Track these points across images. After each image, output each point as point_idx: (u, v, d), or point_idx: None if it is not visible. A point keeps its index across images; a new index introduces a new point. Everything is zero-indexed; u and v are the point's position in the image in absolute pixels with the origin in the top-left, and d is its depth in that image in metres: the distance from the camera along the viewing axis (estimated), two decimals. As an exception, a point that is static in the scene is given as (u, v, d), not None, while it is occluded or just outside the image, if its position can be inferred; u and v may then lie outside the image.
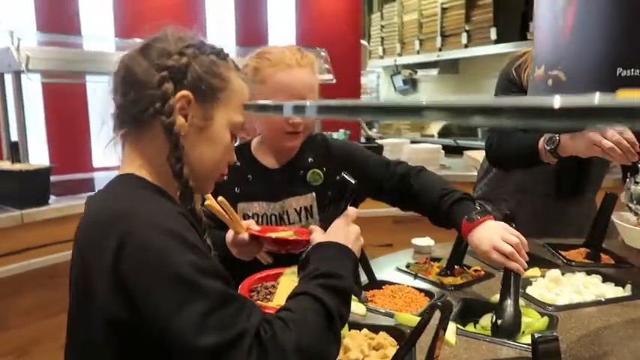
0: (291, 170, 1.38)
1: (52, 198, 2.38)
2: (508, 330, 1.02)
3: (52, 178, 2.49)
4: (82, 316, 0.78)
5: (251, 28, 4.53)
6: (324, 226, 0.97)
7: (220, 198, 1.09)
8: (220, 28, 4.41)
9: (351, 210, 0.98)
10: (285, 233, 1.16)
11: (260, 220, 1.35)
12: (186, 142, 0.81)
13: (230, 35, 4.45)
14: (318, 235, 0.94)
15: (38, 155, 3.31)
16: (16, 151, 2.29)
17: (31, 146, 2.66)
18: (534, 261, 1.47)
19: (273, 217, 1.38)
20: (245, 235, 1.10)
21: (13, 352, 2.28)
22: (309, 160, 1.40)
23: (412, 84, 6.69)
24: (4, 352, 2.25)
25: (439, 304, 0.77)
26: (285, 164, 1.38)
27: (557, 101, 0.31)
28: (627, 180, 1.45)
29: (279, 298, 0.99)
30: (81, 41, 3.50)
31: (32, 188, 2.25)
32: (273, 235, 1.13)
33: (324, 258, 0.84)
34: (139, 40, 2.85)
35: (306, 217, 1.40)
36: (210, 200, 1.06)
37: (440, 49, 5.77)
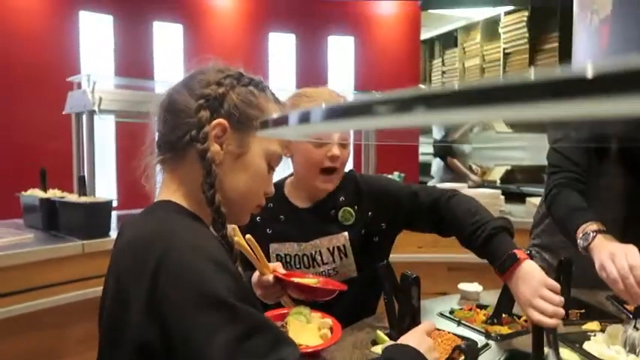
0: (323, 210, 1.37)
1: (114, 231, 2.49)
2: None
3: (120, 212, 2.61)
4: (113, 344, 0.78)
5: (311, 72, 4.67)
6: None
7: (248, 236, 1.09)
8: (282, 72, 4.58)
9: (428, 324, 0.94)
10: (310, 280, 1.14)
11: (292, 260, 1.34)
12: (220, 170, 0.83)
13: (291, 79, 4.61)
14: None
15: (107, 190, 3.52)
16: (83, 184, 2.43)
17: (101, 182, 2.83)
18: (595, 314, 1.35)
19: (305, 258, 1.36)
20: (270, 277, 1.09)
21: (67, 379, 2.34)
22: (341, 198, 1.38)
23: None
24: (58, 381, 2.32)
25: (462, 346, 0.71)
26: (316, 203, 1.37)
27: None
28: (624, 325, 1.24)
29: (292, 337, 0.96)
30: (153, 85, 3.75)
31: (94, 220, 2.37)
32: (296, 280, 1.11)
33: (392, 356, 0.83)
34: None
35: (340, 257, 1.37)
36: (238, 237, 1.06)
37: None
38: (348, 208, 1.37)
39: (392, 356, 0.81)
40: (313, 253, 1.35)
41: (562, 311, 1.03)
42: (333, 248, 1.36)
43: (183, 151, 0.84)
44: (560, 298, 1.04)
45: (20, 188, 2.64)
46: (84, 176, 2.46)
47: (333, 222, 1.37)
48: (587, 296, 1.46)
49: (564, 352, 1.09)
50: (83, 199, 2.40)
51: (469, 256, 2.85)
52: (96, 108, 2.54)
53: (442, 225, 1.33)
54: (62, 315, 2.28)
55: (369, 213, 1.38)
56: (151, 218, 0.83)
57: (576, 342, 1.16)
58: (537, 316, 1.02)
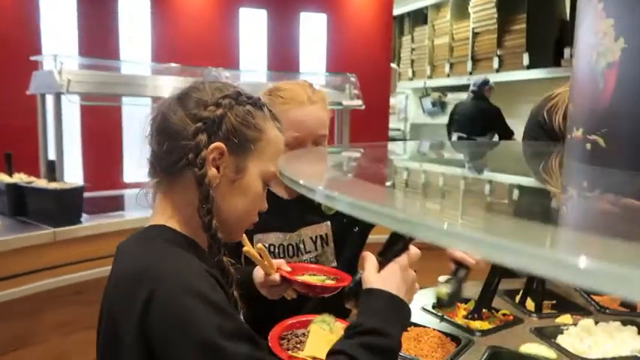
0: (305, 200, 1.38)
1: (84, 216, 2.44)
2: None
3: (85, 195, 2.55)
4: None
5: (282, 50, 4.60)
6: (382, 261, 0.87)
7: (259, 246, 1.10)
8: (253, 54, 4.49)
9: (413, 252, 0.88)
10: (317, 278, 1.16)
11: (277, 250, 1.36)
12: (217, 193, 0.81)
13: (262, 60, 4.53)
14: (371, 275, 0.85)
15: (73, 173, 3.41)
16: (53, 169, 2.36)
17: (66, 164, 2.74)
18: (566, 306, 1.43)
19: (290, 248, 1.39)
20: (277, 277, 1.11)
21: (45, 364, 2.32)
22: None
23: (441, 106, 6.66)
24: (37, 364, 2.30)
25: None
26: (299, 195, 1.38)
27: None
28: None
29: (310, 349, 0.98)
30: (119, 65, 3.61)
31: (66, 207, 2.31)
32: (300, 279, 1.13)
33: (372, 310, 0.80)
34: (174, 65, 2.91)
35: (322, 245, 1.42)
36: (247, 247, 1.07)
37: (470, 73, 5.74)
38: None
39: (363, 321, 0.78)
40: (298, 242, 1.39)
41: None
42: (316, 237, 1.41)
43: (179, 174, 0.82)
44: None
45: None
46: (53, 161, 2.38)
47: (316, 212, 1.40)
48: (556, 287, 1.54)
49: (541, 347, 1.17)
50: (53, 185, 2.32)
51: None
52: (64, 90, 2.44)
53: None
54: (35, 303, 2.24)
55: None
56: (144, 248, 0.80)
57: (551, 337, 1.24)
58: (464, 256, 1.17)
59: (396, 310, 0.81)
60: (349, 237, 1.44)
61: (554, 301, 1.47)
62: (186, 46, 4.18)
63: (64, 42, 3.78)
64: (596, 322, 1.29)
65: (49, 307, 2.32)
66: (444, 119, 6.37)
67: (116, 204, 3.18)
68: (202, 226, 0.81)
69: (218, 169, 0.82)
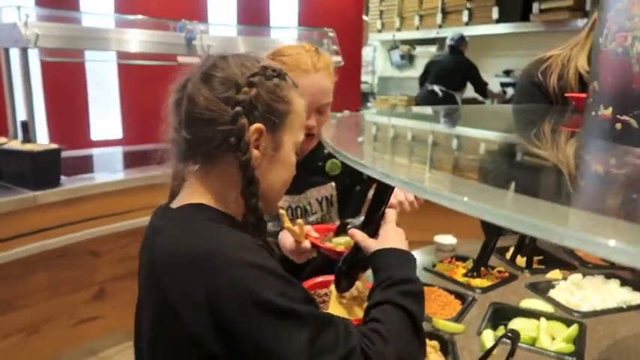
0: (310, 162, 1.41)
1: (62, 178, 2.37)
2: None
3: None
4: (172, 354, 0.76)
5: (253, 6, 4.43)
6: (368, 231, 0.96)
7: (299, 221, 1.14)
8: (221, 6, 4.30)
9: (391, 213, 0.98)
10: (343, 239, 1.20)
11: (285, 211, 1.39)
12: (258, 172, 0.81)
13: (232, 13, 4.35)
14: (371, 242, 0.93)
15: (37, 132, 3.25)
16: (26, 130, 2.25)
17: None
18: (552, 262, 1.53)
19: (298, 210, 1.42)
20: (307, 244, 1.14)
21: (24, 329, 2.31)
22: (325, 151, 1.42)
23: (409, 59, 6.66)
24: (16, 330, 2.28)
25: (510, 334, 0.81)
26: (303, 157, 1.40)
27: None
28: None
29: (333, 309, 1.03)
30: (80, 17, 3.39)
31: (44, 169, 2.23)
32: (328, 245, 1.17)
33: (391, 265, 0.87)
34: (140, 17, 2.77)
35: (327, 206, 1.45)
36: (287, 224, 1.10)
37: (440, 26, 5.73)
38: (334, 160, 1.43)
39: (390, 274, 0.84)
40: (305, 204, 1.41)
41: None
42: (322, 198, 1.44)
43: (217, 157, 0.82)
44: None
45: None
46: (27, 122, 2.27)
47: (320, 173, 1.43)
48: (542, 244, 1.64)
49: (538, 302, 1.26)
50: (28, 147, 2.23)
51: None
52: (32, 44, 2.30)
53: None
54: (20, 267, 2.19)
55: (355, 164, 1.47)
56: (196, 229, 0.79)
57: (544, 291, 1.33)
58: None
59: (407, 259, 0.90)
60: (351, 196, 1.48)
61: (541, 257, 1.57)
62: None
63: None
64: (583, 277, 1.40)
65: (31, 271, 2.28)
66: (412, 72, 6.39)
67: (90, 165, 3.09)
68: (247, 208, 0.81)
69: (258, 148, 0.82)
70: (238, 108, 0.79)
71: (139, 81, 3.86)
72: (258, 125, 0.81)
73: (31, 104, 2.40)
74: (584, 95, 1.48)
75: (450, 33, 5.32)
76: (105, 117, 4.01)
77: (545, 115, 1.58)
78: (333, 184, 1.44)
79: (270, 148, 0.83)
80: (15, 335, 2.27)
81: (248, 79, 0.81)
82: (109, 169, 2.97)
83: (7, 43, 2.43)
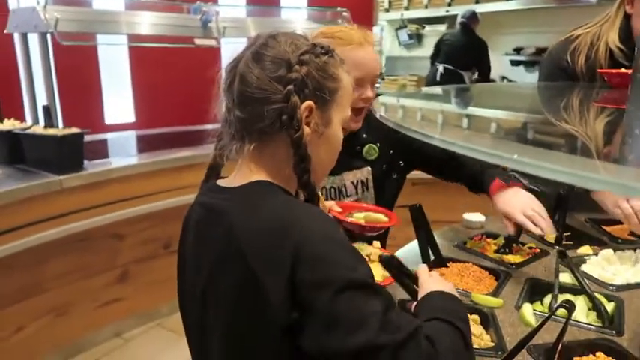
0: (349, 146, 1.42)
1: (85, 162, 2.38)
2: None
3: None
4: (249, 326, 0.78)
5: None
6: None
7: (331, 203, 1.18)
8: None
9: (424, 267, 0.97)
10: (362, 214, 1.22)
11: (320, 193, 1.41)
12: (309, 149, 0.83)
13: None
14: (431, 284, 0.90)
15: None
16: (49, 115, 2.27)
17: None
18: (581, 237, 1.55)
19: (332, 190, 1.44)
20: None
21: (53, 311, 2.35)
22: (364, 135, 1.46)
23: (418, 39, 6.59)
24: (45, 312, 2.33)
25: (566, 305, 0.83)
26: (343, 140, 1.41)
27: None
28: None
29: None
30: (92, 0, 3.38)
31: (68, 153, 2.25)
32: (350, 219, 1.19)
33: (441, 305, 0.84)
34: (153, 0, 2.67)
35: (362, 190, 1.47)
36: (322, 203, 1.11)
37: (449, 4, 5.66)
38: (372, 145, 1.46)
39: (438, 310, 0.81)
40: (340, 186, 1.43)
41: (545, 223, 1.32)
42: (357, 182, 1.46)
43: (270, 135, 0.83)
44: (541, 209, 1.34)
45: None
46: (48, 106, 2.28)
47: (358, 157, 1.46)
48: (570, 220, 1.65)
49: (568, 276, 1.28)
50: (52, 132, 2.24)
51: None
52: (52, 29, 2.30)
53: (451, 166, 1.53)
54: (47, 250, 2.23)
55: (391, 151, 1.48)
56: (270, 203, 0.80)
57: (576, 266, 1.35)
58: (523, 220, 1.33)
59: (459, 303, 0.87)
60: (388, 183, 1.50)
61: (569, 233, 1.58)
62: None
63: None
64: (614, 251, 1.41)
65: (57, 254, 2.31)
66: (421, 52, 6.33)
67: (108, 149, 3.10)
68: (300, 184, 0.83)
69: (309, 125, 0.83)
70: (290, 86, 0.80)
71: (151, 64, 3.86)
72: (308, 102, 0.82)
73: (52, 89, 2.41)
74: (619, 71, 1.48)
75: (459, 11, 5.26)
76: (118, 101, 4.02)
77: (575, 92, 1.58)
78: (369, 168, 1.47)
79: (320, 124, 0.85)
80: (45, 317, 2.31)
81: (299, 57, 0.82)
82: (125, 153, 2.98)
83: (27, 28, 2.43)
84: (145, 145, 3.23)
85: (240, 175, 0.87)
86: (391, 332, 0.69)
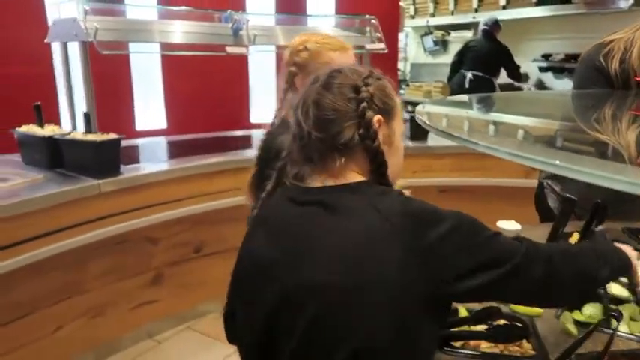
0: None
1: (121, 167, 2.45)
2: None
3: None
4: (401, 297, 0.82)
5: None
6: None
7: None
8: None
9: None
10: None
11: None
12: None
13: (269, 3, 4.36)
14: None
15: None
16: (89, 122, 2.34)
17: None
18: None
19: None
20: None
21: (90, 311, 2.42)
22: None
23: (443, 45, 6.59)
24: (81, 313, 2.39)
25: (614, 314, 0.84)
26: None
27: None
28: None
29: None
30: (124, 9, 3.46)
31: (106, 159, 2.32)
32: None
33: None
34: (185, 8, 2.98)
35: None
36: None
37: (476, 10, 5.65)
38: None
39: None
40: None
41: None
42: None
43: (349, 150, 0.92)
44: None
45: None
46: (88, 113, 2.36)
47: None
48: (606, 229, 1.64)
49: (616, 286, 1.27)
50: (91, 137, 2.32)
51: (458, 180, 3.01)
52: (92, 38, 2.38)
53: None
54: (85, 252, 2.30)
55: None
56: (383, 198, 0.89)
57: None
58: None
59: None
60: None
61: (605, 242, 1.57)
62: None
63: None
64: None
65: (94, 256, 2.38)
66: (446, 58, 6.32)
67: (140, 154, 3.18)
68: None
69: (380, 137, 0.93)
70: (364, 103, 0.91)
71: (182, 72, 3.94)
72: (378, 116, 0.93)
73: (92, 96, 2.49)
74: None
75: (487, 17, 5.24)
76: (149, 107, 4.11)
77: (610, 100, 1.58)
78: None
79: (388, 136, 0.95)
80: (82, 317, 2.38)
81: (364, 80, 0.94)
82: (157, 158, 3.05)
83: (67, 37, 2.51)
84: (177, 150, 3.31)
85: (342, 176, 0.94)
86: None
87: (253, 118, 4.47)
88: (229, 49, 2.75)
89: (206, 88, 3.86)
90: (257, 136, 3.90)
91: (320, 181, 0.94)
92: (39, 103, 2.47)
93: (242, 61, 4.15)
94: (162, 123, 4.14)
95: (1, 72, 2.89)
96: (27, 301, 2.15)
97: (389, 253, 0.81)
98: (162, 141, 3.67)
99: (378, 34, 3.20)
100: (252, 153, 3.10)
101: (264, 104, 4.60)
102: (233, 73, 4.11)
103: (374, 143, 0.91)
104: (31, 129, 2.44)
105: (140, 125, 4.07)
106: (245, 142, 3.47)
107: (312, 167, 0.95)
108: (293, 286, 0.85)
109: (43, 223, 2.11)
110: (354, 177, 0.93)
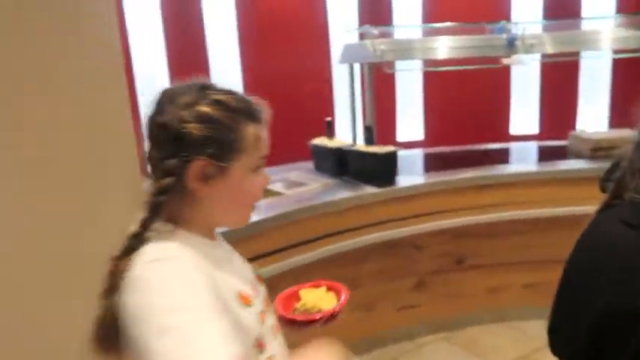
0: None
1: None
2: None
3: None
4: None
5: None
6: None
7: None
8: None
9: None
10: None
11: None
12: None
13: (536, 8, 4.14)
14: None
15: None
16: (370, 134, 2.59)
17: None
18: None
19: None
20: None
21: (362, 306, 2.66)
22: None
23: None
24: (356, 306, 2.65)
25: None
26: None
27: None
28: None
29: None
30: (392, 30, 3.68)
31: (386, 169, 2.53)
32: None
33: None
34: (456, 24, 2.97)
35: None
36: None
37: None
38: None
39: None
40: None
41: None
42: None
43: None
44: None
45: (297, 134, 2.93)
46: (370, 126, 2.61)
47: None
48: None
49: None
50: (373, 149, 2.56)
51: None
52: (380, 59, 2.62)
53: None
54: (361, 253, 2.54)
55: None
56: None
57: None
58: None
59: None
60: None
61: None
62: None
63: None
64: None
65: (367, 257, 2.60)
66: None
67: (405, 165, 3.36)
68: None
69: None
70: None
71: (442, 85, 4.04)
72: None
73: (373, 112, 2.75)
74: None
75: None
76: (409, 120, 4.34)
77: None
78: None
79: None
80: (358, 310, 2.64)
81: None
82: (419, 170, 3.17)
83: (357, 59, 2.83)
84: (437, 163, 3.39)
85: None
86: None
87: (513, 130, 4.30)
88: (505, 61, 2.71)
89: (468, 100, 3.88)
90: (516, 149, 3.75)
91: None
92: (330, 119, 2.84)
93: (504, 71, 4.04)
94: (420, 134, 4.32)
95: (297, 91, 3.43)
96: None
97: None
98: (419, 153, 3.82)
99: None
100: (514, 168, 3.01)
101: (523, 115, 4.39)
102: (495, 84, 4.03)
103: None
104: (323, 141, 2.83)
105: (400, 137, 4.33)
106: (503, 157, 3.37)
107: None
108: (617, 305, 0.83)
109: (334, 222, 2.41)
110: None
